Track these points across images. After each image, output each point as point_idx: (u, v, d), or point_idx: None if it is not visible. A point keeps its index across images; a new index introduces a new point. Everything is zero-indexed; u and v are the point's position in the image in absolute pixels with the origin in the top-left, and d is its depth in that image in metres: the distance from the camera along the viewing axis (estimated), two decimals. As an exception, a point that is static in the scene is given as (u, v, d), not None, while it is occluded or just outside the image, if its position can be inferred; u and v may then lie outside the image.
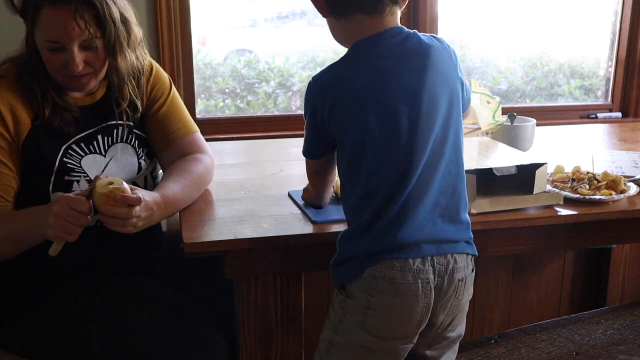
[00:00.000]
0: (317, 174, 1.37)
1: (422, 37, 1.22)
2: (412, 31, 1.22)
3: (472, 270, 1.25)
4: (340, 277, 1.23)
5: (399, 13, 1.23)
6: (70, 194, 1.29)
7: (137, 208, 1.28)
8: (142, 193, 1.32)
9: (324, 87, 1.21)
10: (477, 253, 1.25)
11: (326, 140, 1.25)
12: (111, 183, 1.27)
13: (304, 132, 1.29)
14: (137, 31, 1.47)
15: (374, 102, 1.17)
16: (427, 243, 1.18)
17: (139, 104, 1.54)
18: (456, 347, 1.34)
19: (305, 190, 1.48)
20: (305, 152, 1.32)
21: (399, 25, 1.23)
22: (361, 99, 1.17)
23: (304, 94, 1.26)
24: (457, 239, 1.22)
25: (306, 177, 1.41)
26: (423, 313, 1.19)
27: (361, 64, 1.19)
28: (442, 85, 1.21)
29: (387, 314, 1.19)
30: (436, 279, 1.19)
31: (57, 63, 1.37)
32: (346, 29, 1.23)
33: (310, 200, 1.45)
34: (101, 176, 1.30)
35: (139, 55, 1.51)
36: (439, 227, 1.20)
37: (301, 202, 1.48)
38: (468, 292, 1.25)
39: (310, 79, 1.24)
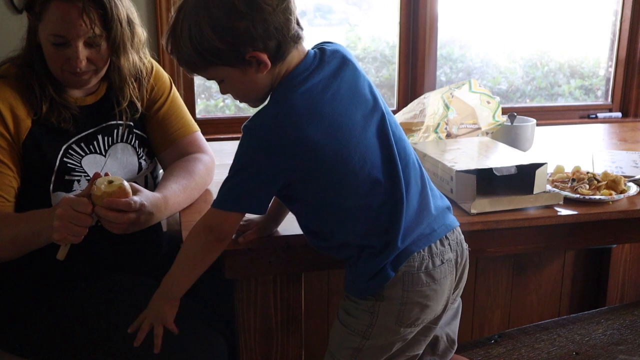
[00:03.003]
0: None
1: (326, 49, 1.19)
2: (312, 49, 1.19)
3: None
4: (374, 288, 1.21)
5: None
6: (72, 196, 1.29)
7: (131, 215, 1.28)
8: (143, 197, 1.32)
9: (300, 112, 1.10)
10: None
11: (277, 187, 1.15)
12: (111, 182, 1.27)
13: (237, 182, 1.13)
14: (141, 32, 1.48)
15: (345, 121, 1.13)
16: (438, 224, 1.23)
17: (138, 105, 1.54)
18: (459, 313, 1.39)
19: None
20: (246, 205, 1.15)
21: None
22: (338, 120, 1.13)
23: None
24: (451, 212, 1.29)
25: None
26: (450, 290, 1.25)
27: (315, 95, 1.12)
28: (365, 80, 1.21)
29: (424, 302, 1.21)
30: (453, 253, 1.24)
31: (60, 58, 1.37)
32: (280, 71, 1.14)
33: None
34: (101, 174, 1.30)
35: (141, 56, 1.51)
36: (438, 207, 1.26)
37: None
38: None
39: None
